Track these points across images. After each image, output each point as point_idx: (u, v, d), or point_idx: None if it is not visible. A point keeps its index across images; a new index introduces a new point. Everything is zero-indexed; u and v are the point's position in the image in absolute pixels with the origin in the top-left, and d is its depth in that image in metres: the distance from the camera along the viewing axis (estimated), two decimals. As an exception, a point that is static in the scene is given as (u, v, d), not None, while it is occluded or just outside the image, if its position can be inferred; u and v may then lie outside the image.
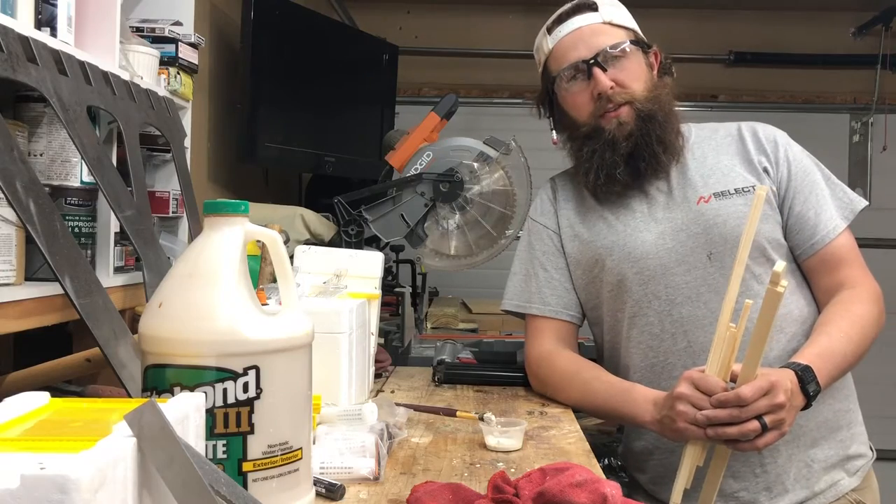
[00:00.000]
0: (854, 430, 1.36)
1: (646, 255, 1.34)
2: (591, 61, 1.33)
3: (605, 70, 1.33)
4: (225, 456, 0.69)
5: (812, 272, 1.35)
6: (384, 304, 1.79)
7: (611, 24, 1.37)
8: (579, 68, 1.35)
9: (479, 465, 1.00)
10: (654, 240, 1.34)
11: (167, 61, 1.54)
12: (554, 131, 1.46)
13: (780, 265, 1.03)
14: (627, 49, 1.35)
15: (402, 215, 1.67)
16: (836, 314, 1.28)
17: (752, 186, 1.34)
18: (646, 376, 1.35)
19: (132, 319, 1.30)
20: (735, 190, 1.34)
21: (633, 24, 1.41)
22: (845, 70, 3.93)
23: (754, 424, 1.08)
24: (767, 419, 1.08)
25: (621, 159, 1.33)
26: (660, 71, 1.40)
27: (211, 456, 0.68)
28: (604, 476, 0.84)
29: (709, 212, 1.33)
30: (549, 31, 1.40)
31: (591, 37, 1.35)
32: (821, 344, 1.22)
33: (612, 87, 1.32)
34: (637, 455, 1.41)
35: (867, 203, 1.38)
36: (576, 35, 1.36)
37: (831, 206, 1.34)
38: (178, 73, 1.57)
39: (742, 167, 1.36)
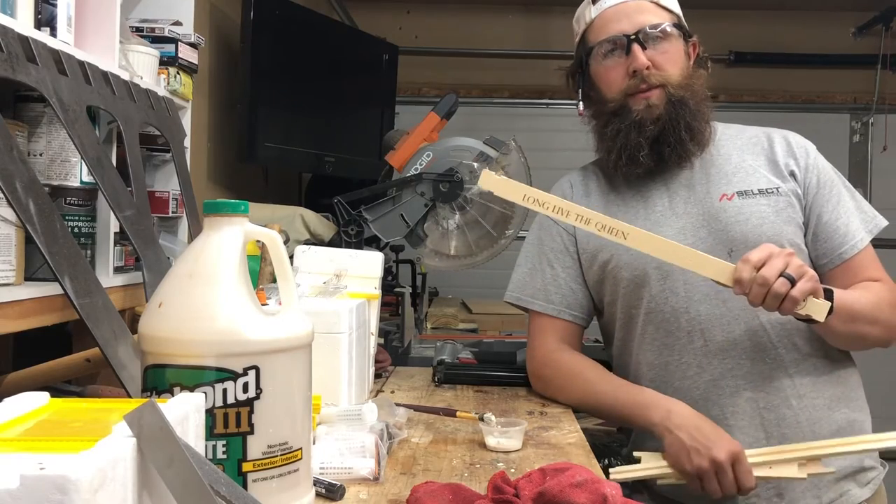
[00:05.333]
0: None
1: None
2: (632, 37, 1.32)
3: (644, 48, 1.32)
4: (225, 456, 0.69)
5: (834, 280, 1.34)
6: (384, 304, 1.79)
7: (657, 4, 1.36)
8: (618, 42, 1.33)
9: (479, 466, 1.00)
10: (674, 235, 1.32)
11: (167, 61, 1.54)
12: (581, 103, 1.44)
13: None
14: (669, 31, 1.34)
15: (402, 215, 1.67)
16: (851, 289, 1.29)
17: (777, 188, 1.33)
18: (659, 374, 1.34)
19: (132, 319, 1.30)
20: (759, 190, 1.33)
21: (677, 10, 1.40)
22: (845, 70, 3.93)
23: (781, 280, 1.11)
24: (790, 270, 1.11)
25: (646, 142, 1.32)
26: (696, 63, 1.40)
27: (211, 456, 0.68)
28: (604, 476, 0.84)
29: (731, 209, 1.32)
30: (594, 0, 1.39)
31: (635, 13, 1.34)
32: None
33: (648, 67, 1.31)
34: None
35: (888, 223, 1.39)
36: (620, 8, 1.35)
37: (857, 219, 1.34)
38: (178, 73, 1.57)
39: (766, 168, 1.36)
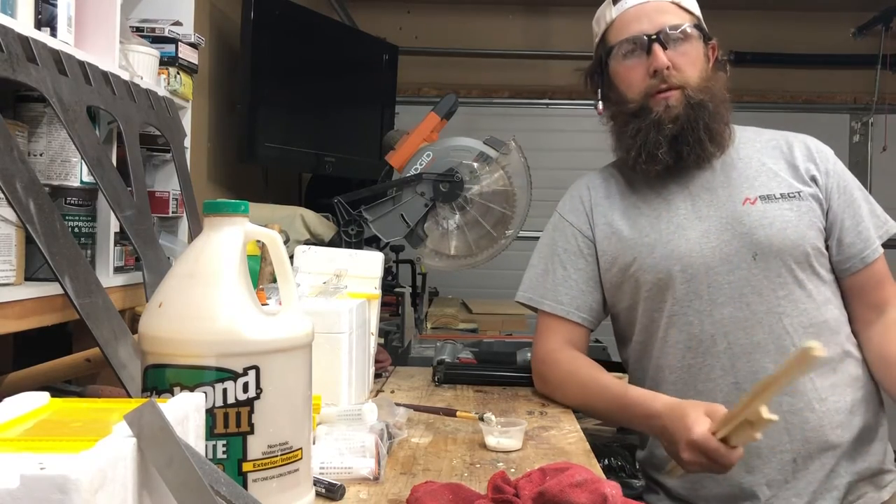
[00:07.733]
0: (887, 447, 1.35)
1: (689, 253, 1.32)
2: (653, 37, 1.32)
3: (664, 48, 1.32)
4: (225, 456, 0.69)
5: (858, 286, 1.35)
6: (384, 304, 1.79)
7: (678, 5, 1.37)
8: (639, 42, 1.34)
9: (479, 465, 1.00)
10: (698, 238, 1.33)
11: (167, 61, 1.54)
12: (600, 102, 1.44)
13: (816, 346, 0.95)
14: (689, 32, 1.34)
15: (402, 215, 1.67)
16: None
17: (798, 192, 1.34)
18: (682, 377, 1.33)
19: (132, 319, 1.30)
20: (781, 195, 1.34)
21: (697, 11, 1.41)
22: (845, 70, 3.93)
23: None
24: None
25: (665, 140, 1.32)
26: (715, 65, 1.40)
27: (211, 456, 0.68)
28: (604, 476, 0.84)
29: (754, 213, 1.32)
30: (615, 1, 1.39)
31: (656, 13, 1.35)
32: None
33: (668, 67, 1.31)
34: (664, 460, 1.34)
35: None
36: (640, 9, 1.36)
37: (871, 224, 1.36)
38: (178, 73, 1.57)
39: (787, 172, 1.36)
